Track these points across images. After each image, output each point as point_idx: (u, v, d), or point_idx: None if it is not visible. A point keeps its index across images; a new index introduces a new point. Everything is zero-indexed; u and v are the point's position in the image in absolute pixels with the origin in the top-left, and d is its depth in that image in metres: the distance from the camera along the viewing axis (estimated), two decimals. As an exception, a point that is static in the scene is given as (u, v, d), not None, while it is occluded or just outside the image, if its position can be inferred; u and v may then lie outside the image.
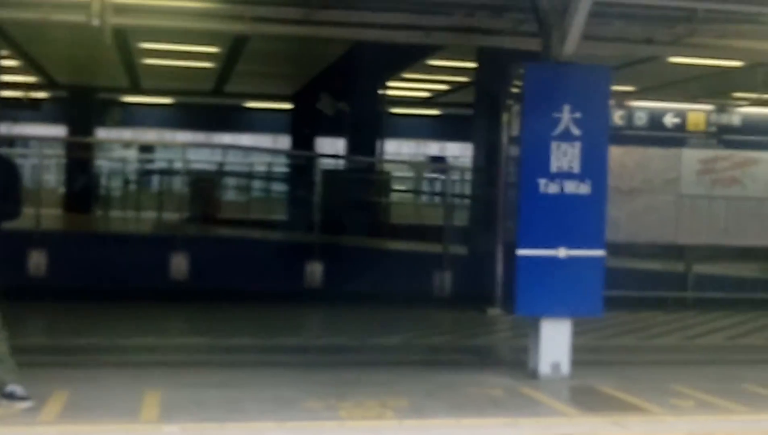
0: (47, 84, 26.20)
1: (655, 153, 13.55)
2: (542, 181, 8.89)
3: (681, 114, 13.54)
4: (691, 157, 13.63)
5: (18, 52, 20.58)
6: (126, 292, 13.33)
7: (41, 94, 26.16)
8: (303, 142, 26.77)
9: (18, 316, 7.78)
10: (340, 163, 24.58)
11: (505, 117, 12.60)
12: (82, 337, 10.61)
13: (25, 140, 31.23)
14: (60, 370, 8.73)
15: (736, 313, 13.65)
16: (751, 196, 13.71)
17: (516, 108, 9.28)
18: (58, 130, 28.45)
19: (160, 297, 13.12)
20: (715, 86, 20.88)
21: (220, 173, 28.05)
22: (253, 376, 8.77)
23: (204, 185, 22.41)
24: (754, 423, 7.66)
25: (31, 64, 22.78)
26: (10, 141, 29.01)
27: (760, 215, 13.77)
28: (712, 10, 10.23)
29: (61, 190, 26.57)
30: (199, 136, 32.09)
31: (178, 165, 22.29)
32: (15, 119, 26.56)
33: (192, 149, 28.09)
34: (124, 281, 13.56)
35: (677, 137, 13.64)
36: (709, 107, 13.80)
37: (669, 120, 13.47)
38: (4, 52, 19.62)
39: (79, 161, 25.61)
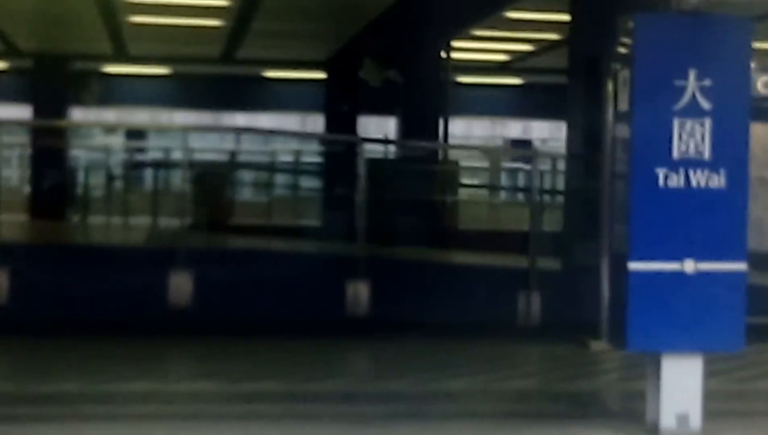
0: (6, 51, 26.54)
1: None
2: (661, 172, 8.87)
3: None
4: None
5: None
6: (112, 324, 13.45)
7: (-1, 65, 26.54)
8: (341, 123, 26.90)
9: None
10: (391, 151, 24.68)
11: (609, 87, 12.60)
12: (55, 382, 10.72)
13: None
14: (29, 426, 8.83)
15: None
16: None
17: (624, 74, 9.27)
18: (21, 111, 28.79)
19: (157, 330, 13.22)
20: None
21: (233, 166, 28.25)
22: (280, 433, 8.80)
23: (212, 182, 22.57)
24: None
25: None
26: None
27: None
28: None
29: (26, 189, 26.90)
30: (204, 118, 32.32)
31: (177, 155, 22.44)
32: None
33: (196, 135, 28.26)
34: (109, 310, 13.68)
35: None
36: None
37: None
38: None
39: (48, 151, 25.88)
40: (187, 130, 17.68)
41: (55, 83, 27.68)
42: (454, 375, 11.51)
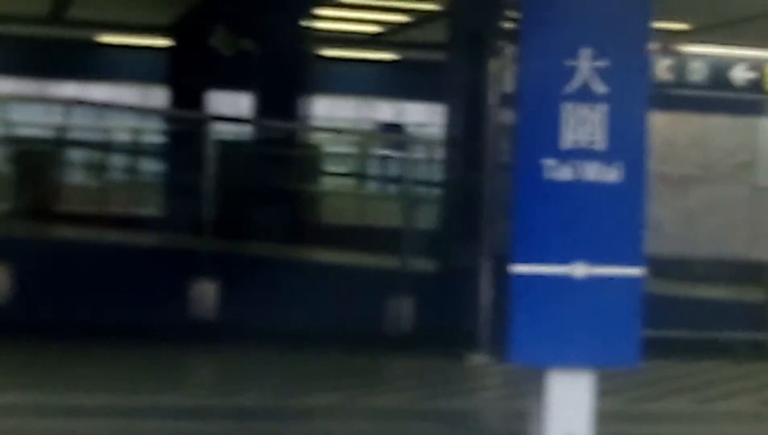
0: None
1: (719, 123, 13.70)
2: (549, 163, 8.94)
3: (757, 65, 13.71)
4: (773, 129, 13.82)
5: None
6: None
7: None
8: (187, 97, 26.74)
9: None
10: (244, 131, 24.60)
11: (493, 65, 12.72)
12: None
13: None
14: None
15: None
16: None
17: (509, 51, 9.35)
18: None
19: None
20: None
21: (60, 143, 27.88)
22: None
23: (35, 161, 22.28)
24: None
25: None
26: None
27: None
28: None
29: None
30: (27, 87, 31.87)
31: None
32: None
33: (17, 106, 27.87)
34: None
35: (752, 100, 13.80)
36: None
37: (740, 74, 13.63)
38: None
39: None
40: (6, 100, 17.41)
41: None
42: (313, 389, 11.53)
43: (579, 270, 8.94)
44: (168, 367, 12.73)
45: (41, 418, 10.11)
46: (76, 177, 26.34)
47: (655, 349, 10.04)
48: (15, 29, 30.09)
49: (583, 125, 8.96)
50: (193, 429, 10.06)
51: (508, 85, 9.52)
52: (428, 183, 20.10)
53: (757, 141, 13.70)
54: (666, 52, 13.47)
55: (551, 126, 8.95)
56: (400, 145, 23.04)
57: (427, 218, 17.39)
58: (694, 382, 12.74)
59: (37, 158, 22.77)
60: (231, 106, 28.36)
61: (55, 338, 13.20)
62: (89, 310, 13.86)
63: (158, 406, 10.72)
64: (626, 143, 9.05)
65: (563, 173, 8.96)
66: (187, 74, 26.98)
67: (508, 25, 9.44)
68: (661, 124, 12.08)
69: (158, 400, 10.94)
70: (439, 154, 19.16)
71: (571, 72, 8.96)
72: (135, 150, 28.40)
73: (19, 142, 22.45)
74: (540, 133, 8.98)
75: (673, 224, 13.24)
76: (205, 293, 13.68)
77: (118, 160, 27.33)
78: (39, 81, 32.34)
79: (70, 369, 12.14)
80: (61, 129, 29.75)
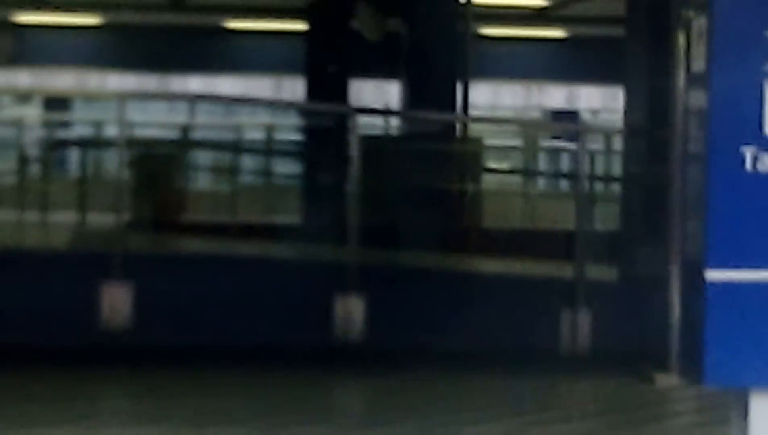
0: None
1: None
2: (749, 151, 8.86)
3: None
4: None
5: None
6: (27, 350, 13.49)
7: None
8: (327, 88, 26.94)
9: None
10: (393, 125, 24.71)
11: (680, 40, 12.62)
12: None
13: None
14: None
15: None
16: None
17: (700, 23, 9.28)
18: None
19: (86, 358, 13.28)
20: None
21: (183, 144, 28.25)
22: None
23: (155, 165, 22.59)
24: None
25: None
26: None
27: None
28: None
29: None
30: (147, 82, 32.34)
31: (112, 131, 22.49)
32: None
33: (136, 104, 28.30)
34: (22, 332, 13.72)
35: None
36: None
37: None
38: None
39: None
40: (124, 98, 17.66)
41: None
42: (480, 418, 11.56)
43: (785, 275, 8.87)
44: (312, 394, 12.81)
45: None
46: (202, 182, 26.72)
47: None
48: (131, 17, 30.61)
49: (790, 106, 8.89)
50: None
51: (699, 62, 9.43)
52: (607, 178, 20.02)
53: None
54: None
55: (752, 108, 8.87)
56: (574, 136, 22.97)
57: (606, 219, 17.32)
58: None
59: (159, 162, 23.08)
60: (378, 97, 28.52)
61: (183, 365, 13.38)
62: (220, 333, 14.03)
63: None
64: (839, 127, 8.96)
65: (766, 164, 8.89)
66: (327, 62, 27.16)
67: (696, -8, 9.37)
68: None
69: (302, 431, 11.05)
70: (619, 144, 19.07)
71: (773, 45, 8.89)
72: (269, 150, 28.66)
73: (138, 145, 22.75)
74: (738, 117, 8.89)
75: None
76: (352, 311, 13.77)
77: (249, 162, 27.63)
78: (160, 76, 32.80)
79: (201, 398, 12.29)
80: (185, 128, 30.11)
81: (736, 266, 8.86)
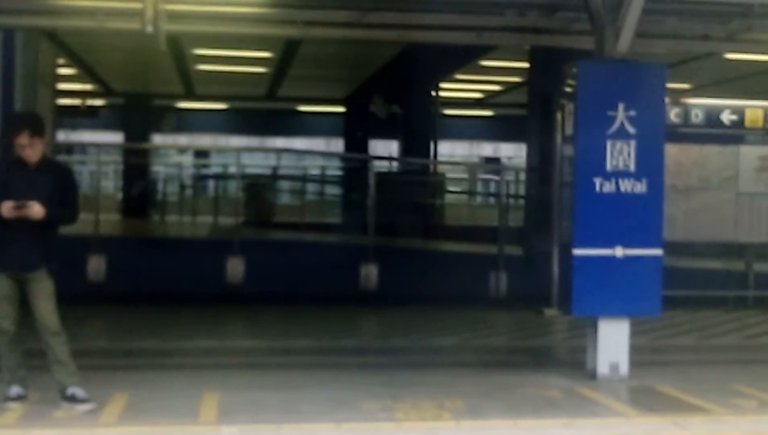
0: (104, 91, 26.54)
1: (712, 150, 13.40)
2: (598, 180, 8.83)
3: (738, 111, 13.36)
4: (750, 154, 13.47)
5: (74, 60, 20.89)
6: (183, 295, 13.45)
7: (98, 102, 26.49)
8: (356, 144, 26.85)
9: (77, 320, 7.89)
10: (394, 165, 24.64)
11: (558, 116, 12.55)
12: (139, 340, 10.74)
13: (83, 147, 31.69)
14: (119, 373, 8.85)
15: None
16: (811, 192, 13.51)
17: (570, 107, 9.23)
18: (115, 137, 28.80)
19: (217, 300, 13.25)
20: (772, 82, 20.60)
21: (275, 177, 28.17)
22: (309, 378, 8.80)
23: (258, 189, 22.54)
24: (817, 423, 7.55)
25: (87, 72, 23.09)
26: (69, 148, 29.53)
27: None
28: (767, 5, 10.09)
29: (119, 195, 26.88)
30: (253, 141, 32.26)
31: (233, 170, 22.43)
32: (73, 126, 26.97)
33: (246, 154, 28.17)
34: (181, 284, 13.68)
35: (735, 134, 13.47)
36: (767, 103, 13.60)
37: (726, 117, 13.29)
38: (61, 60, 19.91)
39: (136, 167, 25.87)
40: (239, 150, 17.61)
41: (141, 115, 27.68)
42: (442, 334, 11.51)
43: (618, 251, 8.82)
44: (346, 322, 12.75)
45: (265, 357, 10.24)
46: (284, 198, 26.66)
47: (671, 303, 9.86)
48: (245, 104, 30.58)
49: (621, 155, 8.85)
50: (360, 362, 10.08)
51: (568, 129, 9.38)
52: (516, 196, 19.94)
53: (739, 162, 13.40)
54: (676, 103, 13.17)
55: (599, 155, 8.84)
56: (497, 172, 22.89)
57: (515, 219, 17.28)
58: (698, 325, 12.46)
59: (260, 187, 23.04)
60: (385, 150, 28.45)
61: (273, 305, 13.35)
62: (298, 285, 14.00)
63: (339, 347, 10.79)
64: (649, 166, 8.91)
65: (608, 187, 8.85)
66: (356, 129, 27.10)
67: (568, 89, 9.31)
68: (672, 152, 11.86)
69: (340, 343, 11.00)
70: (523, 177, 19.00)
71: (612, 119, 8.84)
72: (322, 180, 28.61)
73: (249, 177, 22.71)
74: (591, 160, 8.87)
75: (681, 219, 12.98)
76: (371, 272, 13.71)
77: (311, 187, 27.58)
78: (260, 137, 32.74)
79: (279, 323, 12.27)
80: (275, 168, 30.03)
81: (590, 246, 8.84)
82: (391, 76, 21.66)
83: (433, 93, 23.15)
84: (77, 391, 7.34)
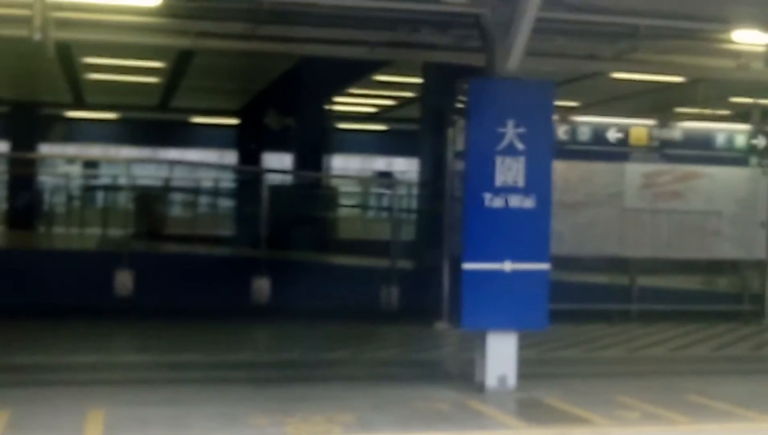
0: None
1: (598, 167, 13.69)
2: (487, 196, 8.93)
3: (624, 129, 13.70)
4: (634, 171, 13.80)
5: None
6: (70, 308, 13.14)
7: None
8: (250, 157, 26.69)
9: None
10: (287, 179, 24.55)
11: (450, 132, 12.69)
12: (27, 355, 10.44)
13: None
14: (0, 390, 8.59)
15: (680, 325, 13.80)
16: (692, 209, 13.91)
17: (461, 123, 9.35)
18: (1, 146, 28.06)
19: (104, 314, 12.98)
20: (657, 101, 21.17)
21: (165, 189, 27.80)
22: (198, 393, 8.69)
23: (149, 201, 22.20)
24: (697, 434, 7.75)
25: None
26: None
27: (701, 229, 13.96)
28: (654, 27, 10.38)
29: (2, 206, 26.18)
30: (144, 152, 31.77)
31: (123, 181, 22.06)
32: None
33: (137, 165, 27.72)
34: (68, 297, 13.37)
35: (620, 152, 13.79)
36: (651, 122, 13.97)
37: (612, 135, 13.61)
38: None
39: (22, 178, 25.23)
40: (130, 161, 17.34)
41: (29, 124, 27.05)
42: (333, 347, 11.47)
43: (507, 265, 8.92)
44: (237, 335, 12.63)
45: (152, 372, 10.05)
46: (176, 211, 26.31)
47: (558, 316, 10.02)
48: (136, 115, 30.11)
49: (510, 170, 8.96)
50: (250, 377, 9.98)
51: (459, 144, 9.47)
52: (408, 210, 20.03)
53: (624, 179, 13.72)
54: (564, 120, 13.42)
55: (489, 171, 8.94)
56: (390, 186, 23.00)
57: (407, 233, 17.35)
58: (584, 338, 12.69)
59: (151, 199, 22.70)
60: (278, 163, 28.32)
61: (163, 318, 13.14)
62: (187, 299, 13.82)
63: (229, 361, 10.67)
64: (537, 182, 9.04)
65: (497, 202, 8.95)
66: (249, 142, 26.93)
67: (459, 105, 9.41)
68: (560, 168, 12.09)
69: (230, 357, 10.89)
70: (415, 191, 19.12)
71: (501, 136, 8.96)
72: (215, 192, 28.30)
73: (139, 189, 22.33)
74: (481, 176, 8.96)
75: (568, 234, 13.22)
76: (263, 286, 13.61)
77: (203, 199, 27.28)
78: (152, 148, 32.26)
79: (169, 337, 12.09)
80: (167, 180, 29.63)
81: (480, 260, 8.93)
82: (285, 88, 21.59)
83: (327, 106, 23.16)
84: (-44, 408, 7.10)
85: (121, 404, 8.00)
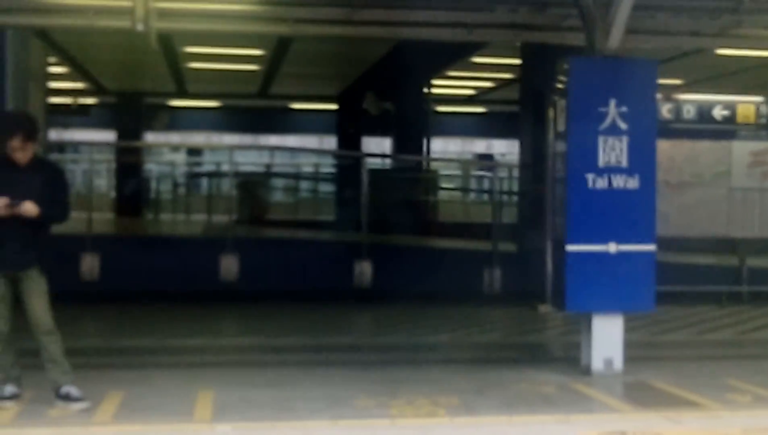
0: (96, 90, 26.49)
1: (704, 146, 13.42)
2: (590, 177, 8.85)
3: (730, 106, 13.39)
4: (742, 149, 13.49)
5: (65, 58, 20.84)
6: (178, 295, 13.43)
7: (89, 100, 26.43)
8: (349, 142, 26.84)
9: (72, 319, 7.87)
10: (387, 163, 24.63)
11: (550, 113, 12.55)
12: (134, 338, 10.73)
13: (75, 145, 31.63)
14: (114, 372, 8.85)
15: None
16: (803, 187, 13.54)
17: (561, 103, 9.23)
18: (107, 136, 28.76)
19: (211, 298, 13.23)
20: (764, 77, 20.63)
21: (268, 175, 28.14)
22: (304, 376, 8.80)
23: (252, 187, 22.50)
24: (810, 417, 7.57)
25: (78, 71, 23.04)
26: (60, 147, 29.48)
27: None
28: (757, 0, 10.11)
29: (112, 194, 26.85)
30: (246, 139, 32.23)
31: (226, 168, 22.40)
32: (65, 125, 26.90)
33: (240, 152, 28.13)
34: (177, 283, 13.66)
35: (727, 130, 13.50)
36: (758, 99, 13.63)
37: (718, 112, 13.32)
38: (52, 59, 19.86)
39: (129, 166, 25.83)
40: (232, 148, 17.55)
41: (133, 114, 27.63)
42: (437, 331, 11.53)
43: (612, 247, 8.84)
44: (341, 319, 12.75)
45: (259, 355, 10.23)
46: (277, 196, 26.64)
47: (665, 298, 9.88)
48: (237, 102, 30.54)
49: (613, 151, 8.87)
50: (355, 359, 10.05)
51: (561, 125, 9.38)
52: (509, 193, 19.94)
53: (731, 157, 13.42)
54: (667, 99, 13.18)
55: (591, 152, 8.87)
56: (491, 168, 22.90)
57: (509, 216, 17.27)
58: (692, 320, 12.48)
59: (253, 185, 22.98)
60: (378, 147, 28.44)
61: (267, 303, 13.34)
62: (292, 282, 13.99)
63: (335, 344, 10.77)
64: (641, 162, 8.93)
65: (600, 183, 8.87)
66: (348, 127, 27.06)
67: (559, 85, 9.32)
68: (665, 148, 11.88)
69: (335, 340, 11.00)
70: (516, 173, 19.01)
71: (604, 115, 8.87)
72: (316, 178, 28.56)
73: (241, 175, 22.68)
74: (584, 156, 8.89)
75: (674, 214, 13.00)
76: (365, 270, 13.67)
77: (305, 185, 27.52)
78: (253, 135, 32.70)
79: (274, 320, 12.28)
80: (268, 166, 30.02)
81: (583, 242, 8.85)
82: (383, 73, 21.65)
83: (425, 90, 23.14)
84: (71, 389, 7.33)
85: (228, 386, 8.16)
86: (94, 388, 7.63)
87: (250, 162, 29.78)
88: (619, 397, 8.17)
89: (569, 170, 8.93)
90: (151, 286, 13.59)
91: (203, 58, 20.38)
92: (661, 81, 9.57)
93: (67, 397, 7.30)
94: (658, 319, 11.41)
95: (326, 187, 27.02)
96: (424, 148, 23.05)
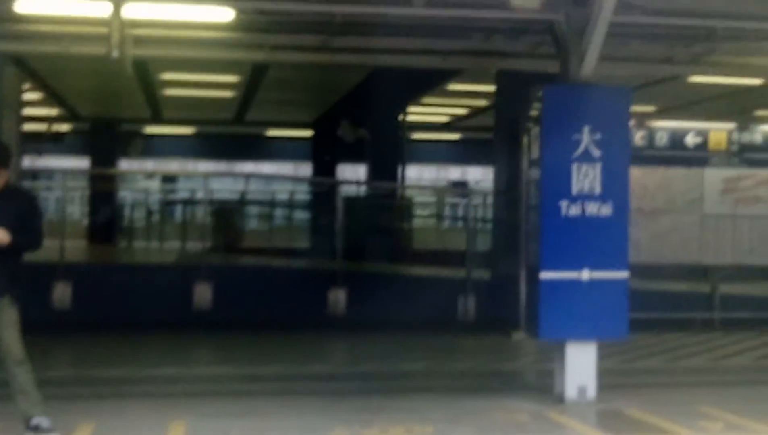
0: (70, 116, 26.37)
1: (677, 173, 13.50)
2: (564, 203, 8.86)
3: (702, 133, 13.52)
4: (714, 176, 13.58)
5: (40, 84, 20.75)
6: (152, 323, 13.32)
7: (64, 127, 26.29)
8: (324, 169, 26.84)
9: (43, 348, 7.78)
10: (362, 190, 24.61)
11: (524, 140, 12.61)
12: (106, 368, 10.62)
13: (48, 172, 31.42)
14: (85, 402, 8.75)
15: (763, 333, 13.52)
16: (775, 214, 13.64)
17: (535, 130, 9.27)
18: (82, 163, 28.60)
19: (184, 327, 13.13)
20: (736, 105, 20.77)
21: (242, 202, 28.07)
22: (278, 405, 8.74)
23: (226, 214, 22.42)
24: (784, 444, 7.58)
25: (53, 97, 22.95)
26: (34, 174, 29.28)
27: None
28: (730, 28, 10.20)
29: (85, 221, 26.66)
30: (221, 166, 32.13)
31: (200, 195, 22.33)
32: (39, 152, 26.74)
33: (214, 179, 28.06)
34: (150, 312, 13.55)
35: (699, 156, 13.60)
36: (730, 126, 13.75)
37: (690, 139, 13.44)
38: (27, 85, 19.77)
39: (102, 193, 25.68)
40: (207, 175, 17.54)
41: (108, 141, 27.51)
42: (411, 359, 11.48)
43: (585, 274, 8.83)
44: (315, 347, 12.69)
45: (232, 384, 10.14)
46: (252, 223, 26.56)
47: (638, 325, 9.88)
48: (212, 129, 30.48)
49: (586, 178, 8.88)
50: (329, 388, 10.01)
51: (534, 152, 9.41)
52: (483, 220, 19.95)
53: (704, 184, 13.50)
54: (640, 126, 13.27)
55: (565, 179, 8.88)
56: (465, 195, 22.93)
57: (483, 243, 17.28)
58: (665, 347, 12.50)
59: (228, 212, 22.91)
60: (353, 174, 28.43)
61: (241, 331, 13.26)
62: (264, 311, 13.91)
63: (308, 373, 10.71)
64: (614, 189, 8.95)
65: (574, 210, 8.87)
66: (324, 154, 27.06)
67: (533, 113, 9.36)
68: (638, 175, 11.94)
69: (309, 369, 10.93)
70: (490, 200, 19.03)
71: (577, 142, 8.89)
72: (290, 205, 28.50)
73: (216, 203, 22.58)
74: (557, 183, 8.90)
75: (646, 241, 13.05)
76: (339, 297, 13.63)
77: (280, 212, 27.47)
78: (228, 161, 32.64)
79: (248, 349, 12.20)
80: (243, 193, 29.95)
81: (557, 269, 8.85)
82: (359, 100, 21.67)
83: (401, 117, 23.18)
84: (42, 420, 7.23)
85: (201, 416, 8.09)
86: (66, 420, 7.54)
87: (225, 189, 29.68)
88: (593, 425, 8.16)
89: (543, 197, 8.94)
90: (124, 314, 13.49)
91: (179, 84, 20.35)
92: (634, 108, 9.62)
93: (38, 429, 7.20)
94: (631, 346, 11.41)
95: (301, 215, 26.97)
96: (399, 175, 23.06)
